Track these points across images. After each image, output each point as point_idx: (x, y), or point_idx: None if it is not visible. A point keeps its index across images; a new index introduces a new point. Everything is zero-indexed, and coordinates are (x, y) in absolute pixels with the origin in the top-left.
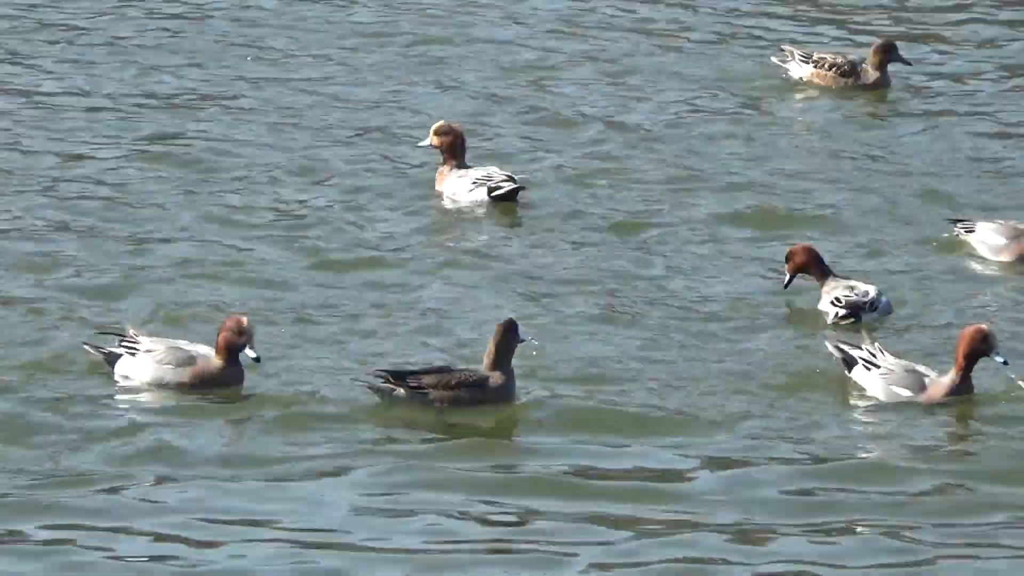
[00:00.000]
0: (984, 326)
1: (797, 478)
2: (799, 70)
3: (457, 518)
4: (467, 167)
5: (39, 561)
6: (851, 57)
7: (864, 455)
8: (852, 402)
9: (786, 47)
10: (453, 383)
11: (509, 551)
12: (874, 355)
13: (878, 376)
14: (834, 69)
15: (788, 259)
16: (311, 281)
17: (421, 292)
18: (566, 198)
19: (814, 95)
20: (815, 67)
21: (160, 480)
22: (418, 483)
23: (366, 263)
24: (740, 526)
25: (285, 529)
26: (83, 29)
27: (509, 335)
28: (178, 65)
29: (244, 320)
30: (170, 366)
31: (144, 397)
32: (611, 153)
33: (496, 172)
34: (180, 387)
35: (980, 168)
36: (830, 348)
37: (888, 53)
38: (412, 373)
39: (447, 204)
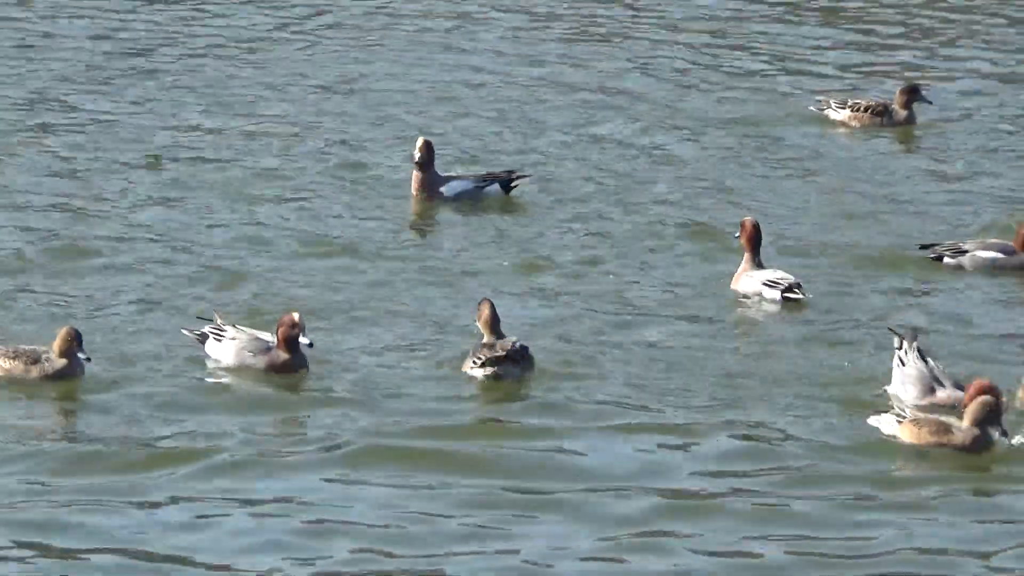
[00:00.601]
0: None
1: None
2: (837, 115)
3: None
4: (443, 173)
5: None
6: (882, 100)
7: (857, 456)
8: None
9: (821, 98)
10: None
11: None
12: (907, 354)
13: (898, 372)
14: (869, 111)
15: (741, 227)
16: (329, 277)
17: (425, 289)
18: (580, 202)
19: (851, 133)
20: (851, 111)
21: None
22: (424, 467)
23: (377, 261)
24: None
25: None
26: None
27: (494, 307)
28: (194, 87)
29: (296, 316)
30: (250, 353)
31: (220, 383)
32: (637, 170)
33: (485, 171)
34: (256, 371)
35: (989, 197)
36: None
37: (912, 94)
38: (499, 357)
39: (439, 205)
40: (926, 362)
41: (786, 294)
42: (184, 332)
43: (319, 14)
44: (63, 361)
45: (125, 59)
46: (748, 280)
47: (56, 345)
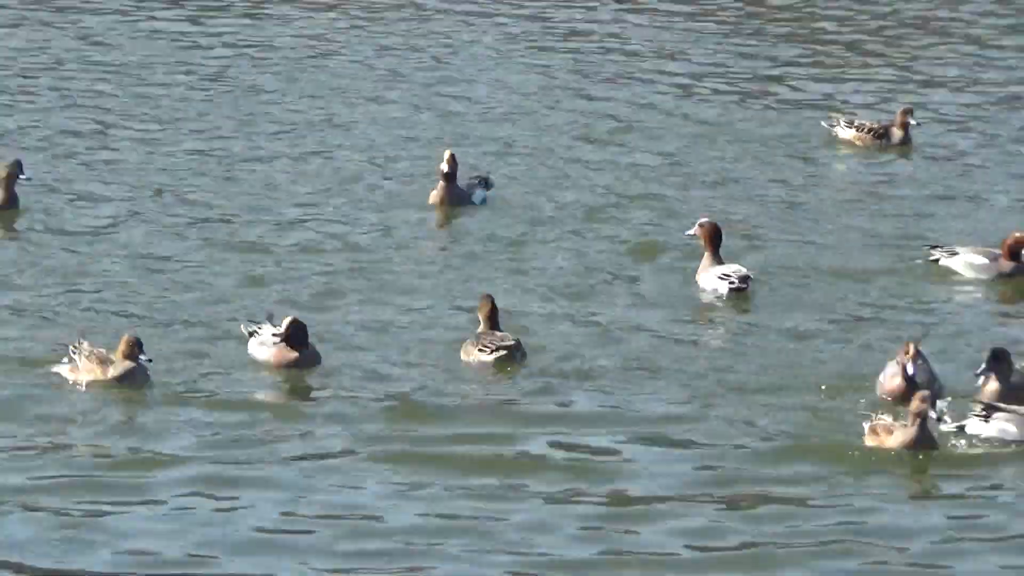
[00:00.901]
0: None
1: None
2: (844, 133)
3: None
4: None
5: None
6: (884, 122)
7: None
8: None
9: (833, 115)
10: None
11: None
12: (899, 351)
13: (890, 366)
14: (871, 132)
15: (700, 227)
16: (345, 279)
17: (429, 287)
18: (594, 213)
19: (854, 152)
20: (856, 131)
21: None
22: (422, 462)
23: (396, 264)
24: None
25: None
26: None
27: (494, 302)
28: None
29: (286, 319)
30: (266, 347)
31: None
32: (650, 181)
33: (477, 176)
34: (271, 366)
35: (974, 209)
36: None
37: (908, 116)
38: (508, 345)
39: (465, 213)
40: (921, 362)
41: (731, 286)
42: (242, 328)
43: (338, 30)
44: (132, 364)
45: (161, 69)
46: (705, 276)
47: (120, 351)
